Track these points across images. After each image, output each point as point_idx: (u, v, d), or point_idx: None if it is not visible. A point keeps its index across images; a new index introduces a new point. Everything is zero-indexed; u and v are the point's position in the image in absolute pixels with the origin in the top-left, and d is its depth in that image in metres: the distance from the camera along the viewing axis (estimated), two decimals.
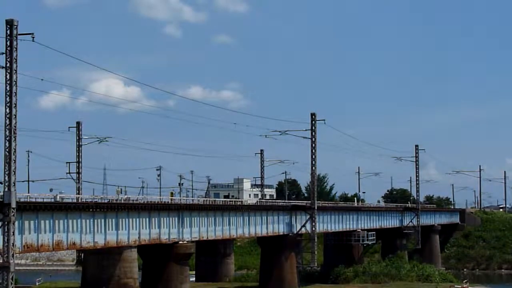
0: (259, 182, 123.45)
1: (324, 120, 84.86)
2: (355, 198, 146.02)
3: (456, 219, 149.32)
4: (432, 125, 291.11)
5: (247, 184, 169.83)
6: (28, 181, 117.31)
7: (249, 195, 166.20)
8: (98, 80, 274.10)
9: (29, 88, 65.94)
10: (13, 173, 43.92)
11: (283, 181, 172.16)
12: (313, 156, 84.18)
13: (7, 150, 44.00)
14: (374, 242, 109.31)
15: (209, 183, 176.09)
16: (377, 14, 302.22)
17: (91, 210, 54.15)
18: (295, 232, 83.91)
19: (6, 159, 43.96)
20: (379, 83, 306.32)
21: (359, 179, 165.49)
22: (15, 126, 44.08)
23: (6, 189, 43.93)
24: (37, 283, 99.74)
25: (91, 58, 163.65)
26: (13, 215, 44.08)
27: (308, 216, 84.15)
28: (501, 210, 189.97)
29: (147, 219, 60.30)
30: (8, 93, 44.02)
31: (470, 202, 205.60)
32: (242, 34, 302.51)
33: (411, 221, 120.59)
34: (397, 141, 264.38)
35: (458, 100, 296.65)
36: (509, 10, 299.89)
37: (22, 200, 48.67)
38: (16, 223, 45.16)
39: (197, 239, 67.49)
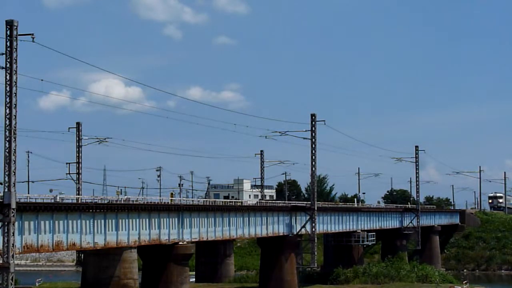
0: (259, 183, 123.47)
1: (324, 120, 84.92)
2: (355, 199, 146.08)
3: (456, 220, 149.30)
4: (432, 126, 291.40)
5: (247, 185, 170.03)
6: (28, 181, 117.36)
7: (249, 195, 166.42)
8: (98, 80, 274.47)
9: (29, 89, 66.00)
10: (13, 173, 43.91)
11: (283, 182, 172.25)
12: (313, 157, 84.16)
13: (7, 150, 44.00)
14: (374, 243, 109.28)
15: (209, 183, 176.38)
16: (377, 14, 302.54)
17: (91, 210, 54.14)
18: (295, 232, 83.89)
19: (6, 160, 43.95)
20: (379, 83, 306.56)
21: (359, 180, 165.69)
22: (15, 127, 44.07)
23: (6, 190, 43.93)
24: (37, 284, 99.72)
25: (91, 59, 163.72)
26: (13, 215, 44.07)
27: (308, 217, 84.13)
28: None
29: (147, 219, 60.30)
30: (8, 94, 44.01)
31: (470, 203, 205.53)
32: (242, 35, 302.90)
33: (411, 222, 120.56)
34: (397, 141, 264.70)
35: (458, 101, 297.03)
36: (510, 11, 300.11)
37: (22, 200, 48.63)
38: (16, 223, 45.16)
39: (197, 239, 67.47)
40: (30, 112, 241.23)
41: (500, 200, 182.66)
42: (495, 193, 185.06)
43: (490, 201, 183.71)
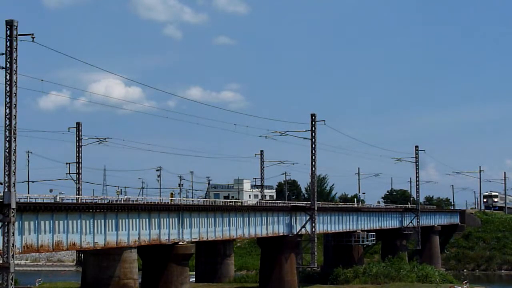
0: (259, 183, 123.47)
1: (324, 121, 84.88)
2: (355, 199, 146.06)
3: (456, 220, 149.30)
4: (432, 126, 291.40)
5: (247, 185, 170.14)
6: (28, 181, 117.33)
7: (249, 195, 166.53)
8: (98, 80, 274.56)
9: (29, 89, 66.01)
10: (13, 173, 43.91)
11: (283, 182, 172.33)
12: (313, 157, 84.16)
13: (7, 150, 44.00)
14: (374, 242, 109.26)
15: (209, 183, 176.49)
16: (377, 14, 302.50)
17: (91, 210, 54.14)
18: (295, 232, 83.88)
19: (6, 160, 43.95)
20: (379, 83, 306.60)
21: (359, 180, 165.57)
22: (15, 127, 44.07)
23: (6, 190, 43.92)
24: (37, 284, 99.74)
25: (91, 59, 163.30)
26: (13, 215, 44.07)
27: (308, 217, 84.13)
28: None
29: (147, 219, 60.29)
30: (8, 94, 44.01)
31: (470, 203, 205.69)
32: (242, 35, 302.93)
33: (411, 222, 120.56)
34: (397, 141, 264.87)
35: (458, 101, 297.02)
36: (510, 11, 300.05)
37: (22, 200, 48.60)
38: (16, 223, 45.16)
39: (197, 239, 67.46)
40: (30, 112, 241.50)
41: (495, 200, 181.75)
42: (490, 192, 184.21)
43: (485, 200, 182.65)
